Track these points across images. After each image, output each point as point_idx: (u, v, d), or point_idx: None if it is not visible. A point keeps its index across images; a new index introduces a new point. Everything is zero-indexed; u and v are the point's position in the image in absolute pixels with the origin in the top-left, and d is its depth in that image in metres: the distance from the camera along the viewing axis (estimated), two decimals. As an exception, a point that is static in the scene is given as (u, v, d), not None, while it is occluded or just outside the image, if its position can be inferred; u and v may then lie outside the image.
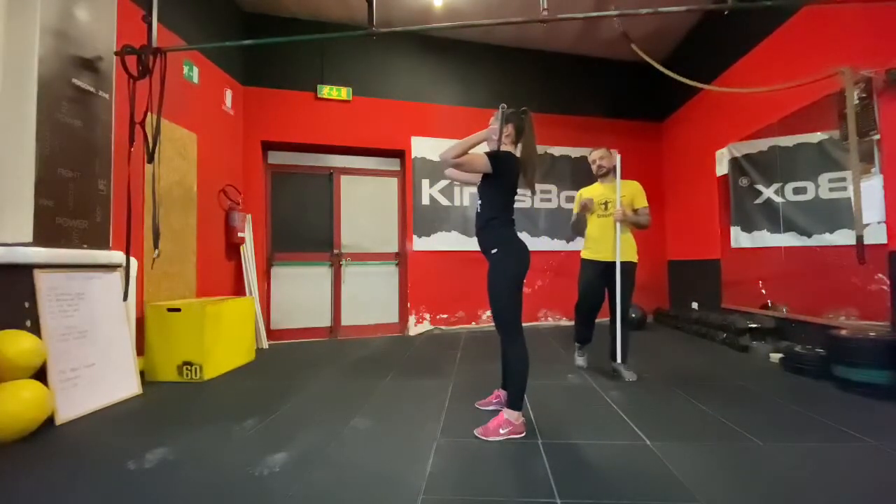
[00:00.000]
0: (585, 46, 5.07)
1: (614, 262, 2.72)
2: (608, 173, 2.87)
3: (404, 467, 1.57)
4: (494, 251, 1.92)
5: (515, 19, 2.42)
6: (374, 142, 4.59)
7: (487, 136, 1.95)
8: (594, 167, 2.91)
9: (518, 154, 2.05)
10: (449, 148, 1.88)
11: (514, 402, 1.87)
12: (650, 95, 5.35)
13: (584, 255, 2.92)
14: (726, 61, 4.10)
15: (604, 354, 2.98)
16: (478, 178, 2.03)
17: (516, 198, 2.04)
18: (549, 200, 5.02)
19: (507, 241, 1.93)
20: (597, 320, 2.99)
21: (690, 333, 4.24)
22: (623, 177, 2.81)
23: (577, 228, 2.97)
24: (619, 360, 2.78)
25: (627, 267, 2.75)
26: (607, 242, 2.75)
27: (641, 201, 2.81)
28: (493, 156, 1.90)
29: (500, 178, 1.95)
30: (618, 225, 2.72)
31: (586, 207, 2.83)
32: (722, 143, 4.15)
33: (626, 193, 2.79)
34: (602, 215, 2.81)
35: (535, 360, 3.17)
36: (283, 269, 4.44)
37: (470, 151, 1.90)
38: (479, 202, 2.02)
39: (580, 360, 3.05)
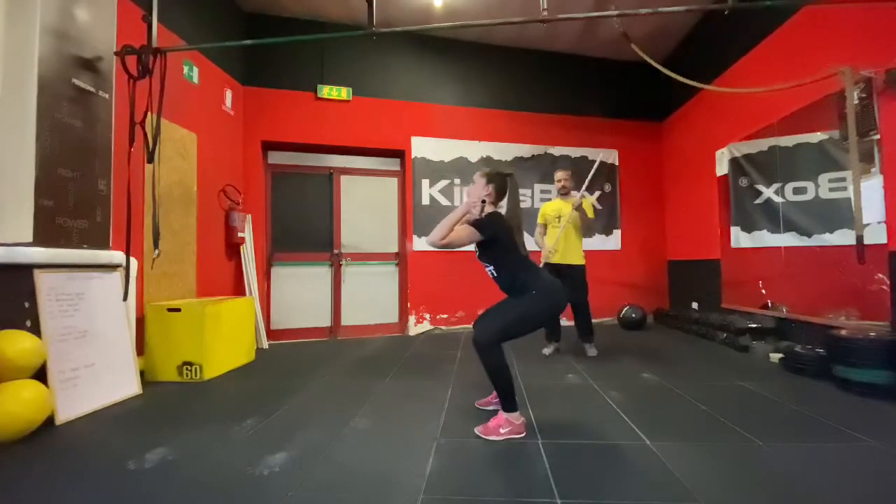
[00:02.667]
0: (585, 46, 5.06)
1: (563, 264, 3.26)
2: (569, 192, 3.39)
3: (404, 467, 1.57)
4: (533, 292, 1.92)
5: (515, 19, 2.42)
6: (374, 142, 4.58)
7: (467, 210, 1.95)
8: (559, 185, 3.42)
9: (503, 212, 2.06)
10: (434, 231, 1.90)
11: (507, 406, 1.87)
12: (650, 95, 5.35)
13: (543, 260, 3.32)
14: (726, 61, 4.09)
15: (601, 357, 3.28)
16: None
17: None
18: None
19: (541, 283, 1.93)
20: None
21: (690, 333, 4.24)
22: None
23: (539, 242, 3.43)
24: (590, 342, 3.38)
25: (577, 270, 3.30)
26: (558, 248, 3.27)
27: (590, 213, 3.31)
28: (479, 224, 1.91)
29: (495, 240, 1.95)
30: (562, 228, 3.24)
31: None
32: (722, 143, 4.15)
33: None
34: (556, 226, 3.30)
35: (534, 360, 3.22)
36: (283, 269, 4.44)
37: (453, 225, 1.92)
38: (490, 268, 2.02)
39: (547, 351, 3.36)
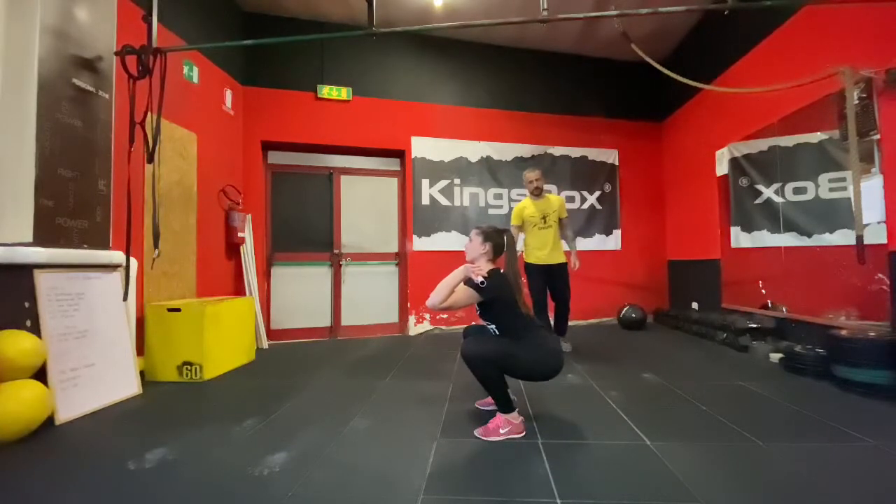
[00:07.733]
0: (585, 46, 5.06)
1: (552, 264, 3.35)
2: (541, 193, 3.43)
3: (404, 467, 1.57)
4: (537, 346, 1.91)
5: (515, 19, 2.42)
6: (374, 142, 4.58)
7: (466, 275, 1.96)
8: (531, 186, 3.40)
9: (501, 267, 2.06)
10: (434, 294, 1.92)
11: (503, 408, 1.86)
12: (650, 95, 5.35)
13: (530, 260, 3.41)
14: (726, 61, 4.09)
15: (600, 357, 3.31)
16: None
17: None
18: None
19: (546, 342, 1.93)
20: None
21: (690, 333, 4.23)
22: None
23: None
24: (564, 336, 3.42)
25: (564, 267, 3.39)
26: (546, 249, 3.35)
27: (564, 212, 3.45)
28: (478, 285, 1.91)
29: (496, 300, 1.94)
30: (552, 233, 3.36)
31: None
32: (722, 143, 4.15)
33: (556, 207, 3.39)
34: (542, 227, 3.35)
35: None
36: (283, 269, 4.43)
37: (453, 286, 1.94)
38: (492, 327, 2.02)
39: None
